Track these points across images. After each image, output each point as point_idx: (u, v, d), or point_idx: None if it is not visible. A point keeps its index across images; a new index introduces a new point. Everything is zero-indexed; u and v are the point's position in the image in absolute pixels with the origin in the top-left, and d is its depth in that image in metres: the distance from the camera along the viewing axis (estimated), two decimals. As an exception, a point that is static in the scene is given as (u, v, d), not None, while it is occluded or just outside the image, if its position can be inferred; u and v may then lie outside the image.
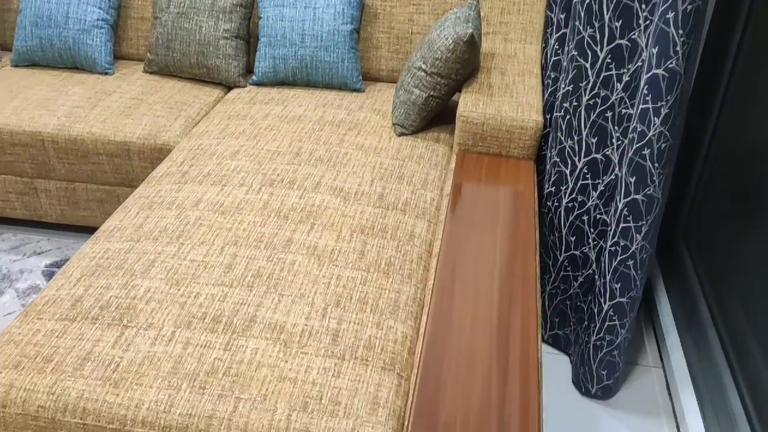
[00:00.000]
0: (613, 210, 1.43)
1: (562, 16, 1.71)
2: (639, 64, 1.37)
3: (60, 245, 2.15)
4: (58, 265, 2.05)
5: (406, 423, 1.06)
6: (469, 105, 1.78)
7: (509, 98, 1.82)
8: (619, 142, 1.46)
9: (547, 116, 1.83)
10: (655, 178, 1.32)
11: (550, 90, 1.78)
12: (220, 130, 1.92)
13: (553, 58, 1.76)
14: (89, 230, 2.22)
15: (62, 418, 1.09)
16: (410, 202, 1.64)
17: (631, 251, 1.41)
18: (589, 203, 1.56)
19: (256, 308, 1.27)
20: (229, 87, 2.27)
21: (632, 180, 1.34)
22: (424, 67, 1.85)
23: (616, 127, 1.45)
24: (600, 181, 1.52)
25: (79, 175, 2.02)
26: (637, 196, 1.35)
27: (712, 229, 1.73)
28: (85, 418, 1.09)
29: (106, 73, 2.26)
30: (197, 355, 1.17)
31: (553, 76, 1.78)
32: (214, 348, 1.18)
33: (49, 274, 2.01)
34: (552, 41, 1.76)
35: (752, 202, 1.49)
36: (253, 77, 2.22)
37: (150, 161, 1.97)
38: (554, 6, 2.05)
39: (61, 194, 2.06)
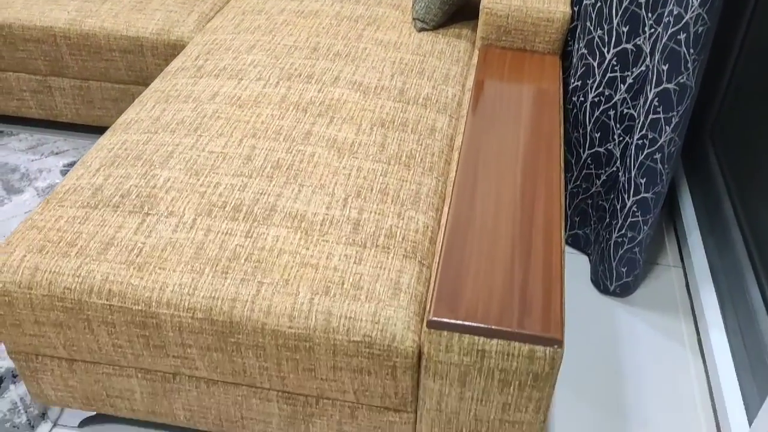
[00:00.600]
0: (642, 102, 1.38)
1: None
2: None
3: (77, 146, 2.14)
4: (76, 165, 2.05)
5: (428, 307, 1.06)
6: (493, -4, 1.70)
7: (536, -11, 1.73)
8: (652, 30, 1.39)
9: (575, 8, 1.75)
10: (689, 65, 1.26)
11: (579, -20, 1.70)
12: (234, 25, 1.86)
13: (583, -55, 1.66)
14: (105, 130, 2.20)
15: (88, 299, 1.11)
16: (431, 97, 1.60)
17: (659, 144, 1.37)
18: (617, 97, 1.51)
19: (276, 198, 1.26)
20: (242, -18, 2.19)
21: (665, 68, 1.29)
22: (446, -44, 1.76)
23: (649, 14, 1.38)
24: (629, 73, 1.47)
25: (93, 73, 1.99)
26: (669, 85, 1.30)
27: (742, 128, 1.68)
28: (111, 299, 1.10)
29: (115, -32, 2.18)
30: (219, 242, 1.17)
31: (583, -36, 1.68)
32: (235, 235, 1.18)
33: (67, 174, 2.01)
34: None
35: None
36: (268, -29, 2.13)
37: (164, 58, 1.93)
38: None
39: (76, 93, 2.04)
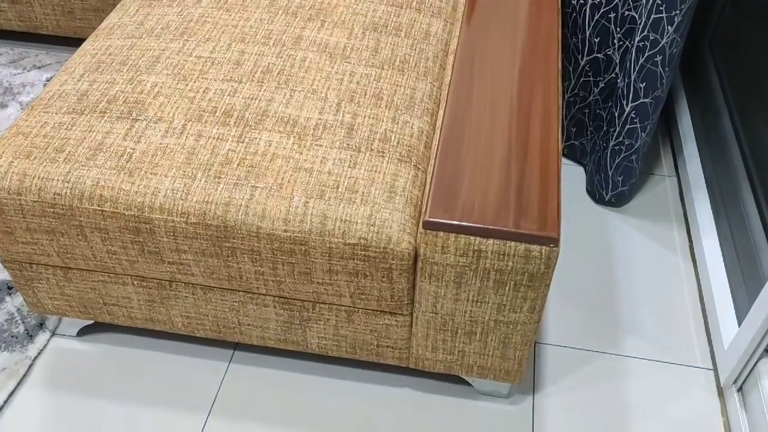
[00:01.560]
0: (644, 2, 1.34)
1: None
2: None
3: (60, 59, 2.07)
4: (60, 79, 1.99)
5: (423, 208, 1.06)
6: None
7: None
8: (657, -76, 1.33)
9: None
10: (694, -40, 1.21)
11: None
12: (218, -74, 1.76)
13: None
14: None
15: (80, 204, 1.09)
16: (425, 0, 1.54)
17: (660, 45, 1.34)
18: (618, -2, 1.46)
19: (267, 103, 1.23)
20: None
21: (669, -36, 1.24)
22: None
23: None
24: (632, -28, 1.41)
25: (72, -19, 1.90)
26: (672, -17, 1.25)
27: (741, 39, 1.63)
28: (103, 204, 1.09)
29: None
30: (210, 147, 1.14)
31: None
32: (226, 140, 1.16)
33: (52, 88, 1.96)
34: None
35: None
36: None
37: (146, -37, 1.84)
38: None
39: (56, 2, 1.95)
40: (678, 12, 1.29)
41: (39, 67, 2.03)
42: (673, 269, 1.55)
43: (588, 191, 1.70)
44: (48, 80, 1.99)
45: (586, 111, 1.67)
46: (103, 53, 1.35)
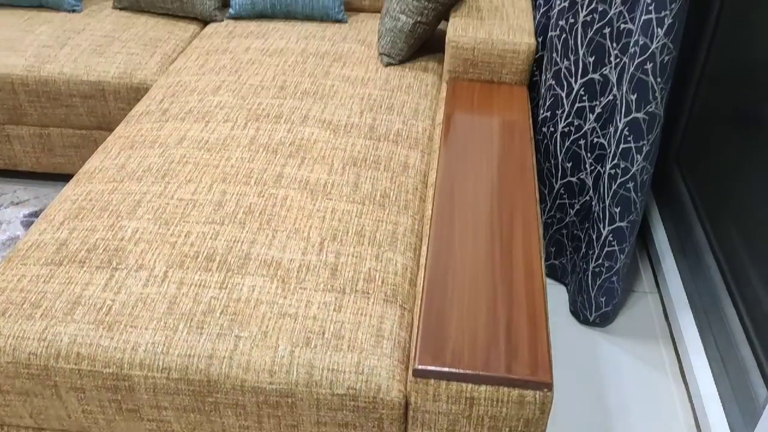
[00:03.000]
0: (612, 131, 1.39)
1: (555, -69, 1.63)
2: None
3: (38, 194, 2.07)
4: (36, 214, 1.98)
5: (412, 353, 1.04)
6: (458, 30, 1.70)
7: (500, 21, 1.74)
8: (618, 60, 1.40)
9: (539, 39, 1.76)
10: (657, 94, 1.27)
11: (542, 11, 1.71)
12: (199, 65, 1.83)
13: (545, -23, 1.69)
14: (66, 177, 2.14)
15: (56, 364, 1.05)
16: (402, 132, 1.58)
17: (631, 173, 1.38)
18: (586, 127, 1.52)
19: (250, 245, 1.22)
20: (204, 22, 2.16)
21: (633, 98, 1.30)
22: (410, -9, 1.76)
23: (614, 44, 1.40)
24: (597, 102, 1.48)
25: (53, 120, 1.93)
26: (638, 115, 1.31)
27: (706, 152, 1.70)
28: (80, 363, 1.05)
29: (73, 11, 2.14)
30: (192, 295, 1.13)
31: (545, -4, 1.70)
32: (209, 287, 1.14)
33: (28, 224, 1.94)
34: (544, -41, 1.68)
35: (747, 126, 1.46)
36: (230, 11, 2.11)
37: (127, 102, 1.88)
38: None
39: (35, 140, 1.97)
40: (646, 142, 1.34)
41: (16, 204, 2.02)
42: (665, 391, 1.52)
43: (572, 312, 1.69)
44: (26, 216, 1.98)
45: (564, 231, 1.69)
46: (84, 198, 1.35)
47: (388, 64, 1.86)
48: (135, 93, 1.87)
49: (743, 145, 1.47)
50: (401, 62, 1.87)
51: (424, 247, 1.25)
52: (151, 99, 1.70)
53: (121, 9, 2.18)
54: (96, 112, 1.90)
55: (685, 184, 1.81)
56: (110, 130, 1.95)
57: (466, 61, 1.71)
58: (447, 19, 1.96)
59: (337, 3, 2.07)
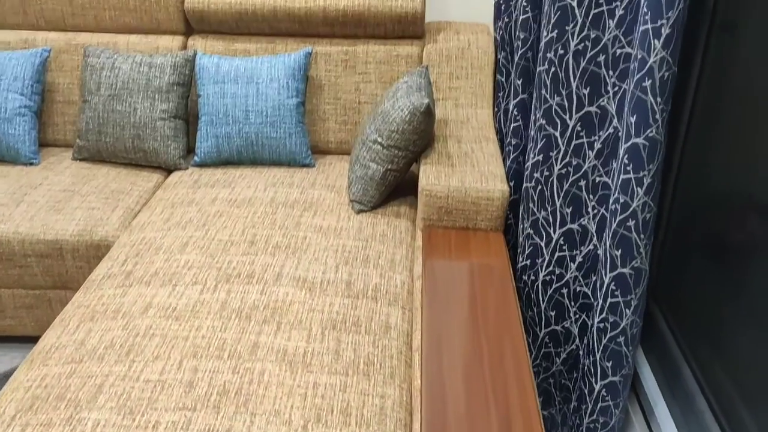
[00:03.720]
0: (598, 284, 1.36)
1: (519, 82, 1.67)
2: (610, 131, 1.33)
3: (-15, 359, 1.91)
4: (-17, 382, 1.82)
5: None
6: (431, 178, 1.70)
7: (471, 168, 1.75)
8: (595, 211, 1.40)
9: (511, 183, 1.77)
10: (641, 249, 1.26)
11: (512, 157, 1.73)
12: (164, 220, 1.76)
13: (513, 125, 1.71)
14: (18, 340, 1.99)
15: None
16: (380, 287, 1.53)
17: (621, 327, 1.34)
18: (568, 275, 1.49)
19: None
20: (168, 170, 2.13)
21: (618, 253, 1.28)
22: (380, 140, 1.77)
23: (591, 196, 1.40)
24: (578, 252, 1.46)
25: (4, 281, 1.81)
26: (624, 270, 1.29)
27: (685, 288, 1.69)
28: None
29: (30, 164, 2.08)
30: (162, 502, 1.00)
31: (514, 143, 1.72)
32: (181, 490, 1.02)
33: (-27, 395, 1.77)
34: (510, 107, 1.71)
35: (724, 256, 1.45)
36: (195, 158, 2.09)
37: (86, 260, 1.79)
38: (505, 70, 2.02)
39: (-15, 302, 1.85)
40: (633, 296, 1.31)
41: (-41, 371, 1.86)
42: None
43: (568, 466, 1.60)
44: (-31, 386, 1.81)
45: (551, 381, 1.62)
46: (38, 386, 1.22)
47: (360, 211, 1.83)
48: (95, 251, 1.78)
49: (720, 277, 1.46)
50: (373, 209, 1.85)
51: (416, 424, 1.16)
52: (113, 260, 1.61)
53: (80, 160, 2.13)
54: (52, 271, 1.80)
55: (666, 322, 1.78)
56: (67, 288, 1.84)
57: (441, 209, 1.69)
58: (417, 162, 1.97)
59: (304, 148, 2.07)
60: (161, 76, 2.03)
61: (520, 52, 1.65)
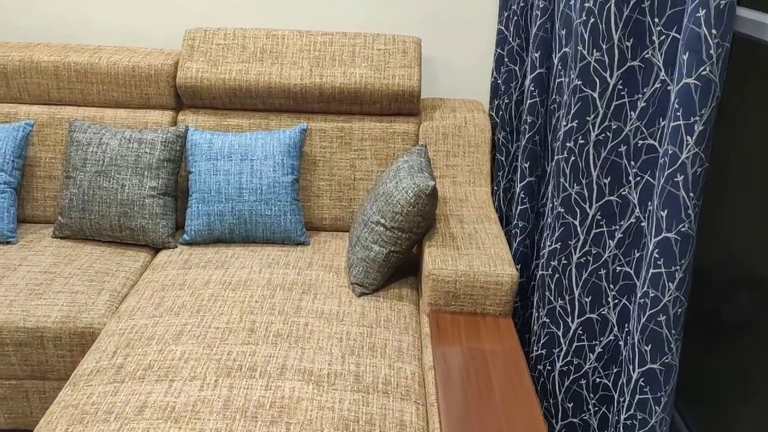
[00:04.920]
0: (624, 380, 1.31)
1: (527, 165, 1.66)
2: (632, 220, 1.31)
3: (-52, 458, 1.74)
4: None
5: None
6: (437, 262, 1.65)
7: (477, 250, 1.71)
8: (616, 301, 1.36)
9: (518, 266, 1.73)
10: (672, 345, 1.21)
11: (519, 240, 1.70)
12: (154, 305, 1.66)
13: (519, 207, 1.69)
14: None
15: None
16: (390, 379, 1.45)
17: (650, 425, 1.28)
18: (587, 366, 1.44)
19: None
20: (156, 249, 2.03)
21: (647, 348, 1.23)
22: (383, 221, 1.72)
23: (611, 286, 1.36)
24: (597, 342, 1.41)
25: (-23, 371, 1.68)
26: (654, 366, 1.24)
27: (706, 389, 1.65)
28: None
29: (8, 242, 1.96)
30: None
31: (521, 225, 1.69)
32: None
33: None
34: (517, 190, 1.69)
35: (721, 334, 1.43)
36: (185, 236, 2.00)
37: (68, 348, 1.67)
38: (505, 150, 2.02)
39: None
40: (663, 393, 1.26)
41: None
42: None
43: None
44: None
45: (569, 475, 1.54)
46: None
47: (361, 294, 1.76)
48: (79, 338, 1.66)
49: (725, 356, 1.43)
50: (374, 291, 1.78)
51: None
52: (102, 351, 1.50)
53: (62, 237, 2.02)
54: (31, 360, 1.67)
55: (686, 424, 1.73)
56: (46, 378, 1.70)
57: (448, 293, 1.64)
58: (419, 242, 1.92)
59: (299, 226, 2.01)
60: (151, 153, 1.96)
61: (527, 136, 1.64)
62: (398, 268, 1.90)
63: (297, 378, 1.40)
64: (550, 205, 1.41)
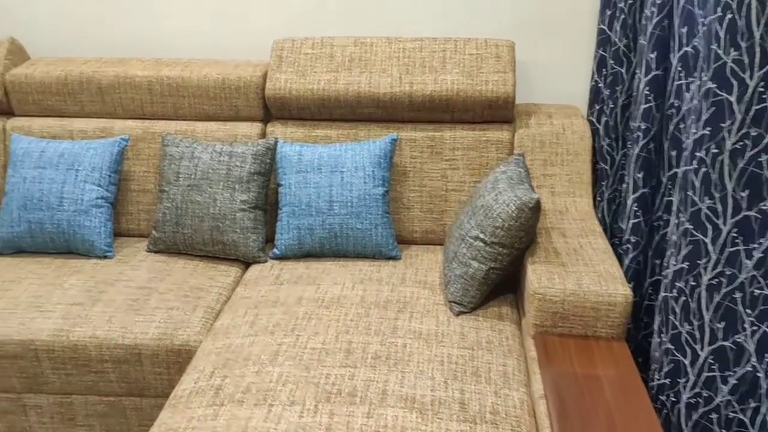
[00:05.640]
0: (767, 416, 1.17)
1: (640, 176, 1.53)
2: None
3: (51, 471, 1.77)
4: (49, 500, 1.67)
5: None
6: (543, 280, 1.54)
7: (584, 267, 1.59)
8: (755, 327, 1.22)
9: (630, 285, 1.61)
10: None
11: (631, 256, 1.57)
12: (249, 323, 1.63)
13: (632, 221, 1.56)
14: (86, 446, 1.85)
15: None
16: (498, 408, 1.35)
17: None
18: (718, 399, 1.30)
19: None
20: (246, 263, 2.01)
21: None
22: (482, 236, 1.63)
23: (748, 311, 1.22)
24: (731, 373, 1.27)
25: (78, 387, 1.69)
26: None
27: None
28: None
29: (105, 257, 1.99)
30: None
31: (633, 240, 1.57)
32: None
33: None
34: (629, 202, 1.57)
35: None
36: (275, 251, 1.97)
37: (165, 366, 1.66)
38: (609, 158, 1.89)
39: (55, 410, 1.72)
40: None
41: (25, 486, 1.71)
42: None
43: None
44: (34, 504, 1.66)
45: None
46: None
47: (460, 313, 1.67)
48: (175, 356, 1.65)
49: None
50: (472, 310, 1.69)
51: None
52: (199, 371, 1.48)
53: (155, 252, 2.03)
54: (129, 377, 1.67)
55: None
56: (143, 396, 1.70)
57: (555, 314, 1.53)
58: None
59: (391, 240, 1.94)
60: (242, 166, 1.94)
61: (640, 144, 1.51)
62: (496, 285, 1.81)
63: (399, 405, 1.33)
64: (675, 220, 1.28)
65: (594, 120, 2.00)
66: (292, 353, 1.50)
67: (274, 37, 2.27)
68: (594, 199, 1.98)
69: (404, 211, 2.07)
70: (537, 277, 1.56)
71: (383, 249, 1.94)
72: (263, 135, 2.13)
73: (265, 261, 1.97)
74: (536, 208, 1.57)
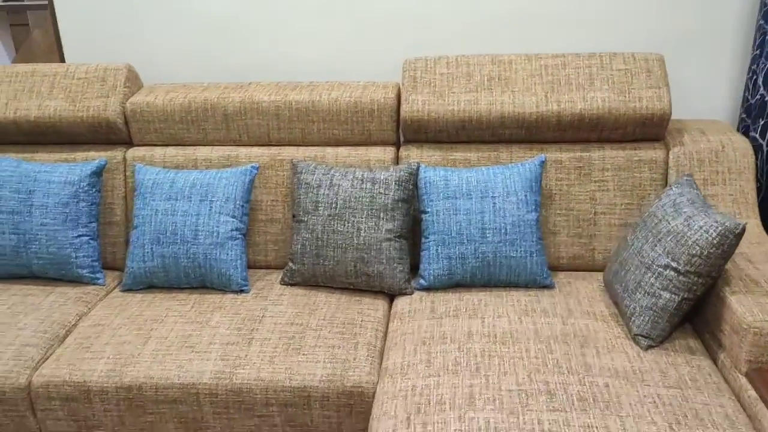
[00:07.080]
0: None
1: None
2: None
3: None
4: None
5: None
6: (756, 312, 1.42)
7: (792, 296, 1.47)
8: None
9: None
10: None
11: None
12: (423, 362, 1.52)
13: None
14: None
15: None
16: (739, 457, 1.23)
17: None
18: None
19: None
20: (390, 295, 1.90)
21: None
22: (674, 265, 1.51)
23: None
24: None
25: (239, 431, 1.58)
26: None
27: None
28: None
29: (241, 291, 1.88)
30: None
31: None
32: None
33: None
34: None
35: None
36: (421, 281, 1.86)
37: (335, 408, 1.54)
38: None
39: None
40: None
41: None
42: None
43: None
44: None
45: None
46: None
47: (648, 348, 1.55)
48: (347, 398, 1.54)
49: None
50: (660, 343, 1.57)
51: None
52: (393, 417, 1.36)
53: (291, 285, 1.92)
54: (295, 421, 1.56)
55: None
56: (307, 441, 1.59)
57: (773, 349, 1.41)
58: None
59: (544, 267, 1.83)
60: (386, 193, 1.84)
61: None
62: (674, 315, 1.68)
63: (632, 455, 1.21)
64: None
65: (757, 136, 1.89)
66: (488, 396, 1.38)
67: (393, 57, 2.18)
68: (762, 219, 1.86)
69: (550, 236, 1.95)
70: (746, 309, 1.44)
71: (537, 277, 1.83)
72: (397, 160, 2.03)
73: (412, 293, 1.86)
74: (741, 234, 1.45)
